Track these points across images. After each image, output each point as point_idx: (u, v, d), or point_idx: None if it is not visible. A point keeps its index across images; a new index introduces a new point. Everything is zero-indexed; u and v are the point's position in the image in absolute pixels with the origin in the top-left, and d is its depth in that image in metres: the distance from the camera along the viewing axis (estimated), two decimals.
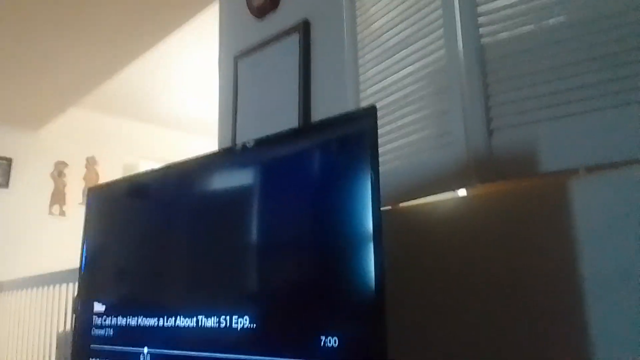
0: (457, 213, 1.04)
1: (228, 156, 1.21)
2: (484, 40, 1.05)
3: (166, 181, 1.26)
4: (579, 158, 0.91)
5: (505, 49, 1.02)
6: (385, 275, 0.82)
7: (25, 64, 3.17)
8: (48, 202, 4.21)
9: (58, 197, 4.24)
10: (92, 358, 1.22)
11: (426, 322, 1.04)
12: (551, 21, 0.98)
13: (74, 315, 1.38)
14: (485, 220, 0.99)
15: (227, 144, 1.79)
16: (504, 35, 1.03)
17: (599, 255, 0.85)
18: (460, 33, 1.08)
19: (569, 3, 0.95)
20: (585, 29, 0.92)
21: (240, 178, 1.10)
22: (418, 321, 1.04)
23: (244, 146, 1.12)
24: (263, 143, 1.08)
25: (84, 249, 1.36)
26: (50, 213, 4.19)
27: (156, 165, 1.29)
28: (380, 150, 0.90)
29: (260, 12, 1.77)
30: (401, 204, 1.16)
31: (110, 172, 4.33)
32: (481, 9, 1.06)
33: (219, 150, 1.66)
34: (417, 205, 1.12)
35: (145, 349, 1.10)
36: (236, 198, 1.09)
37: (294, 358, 0.86)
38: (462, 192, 1.10)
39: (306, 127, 1.33)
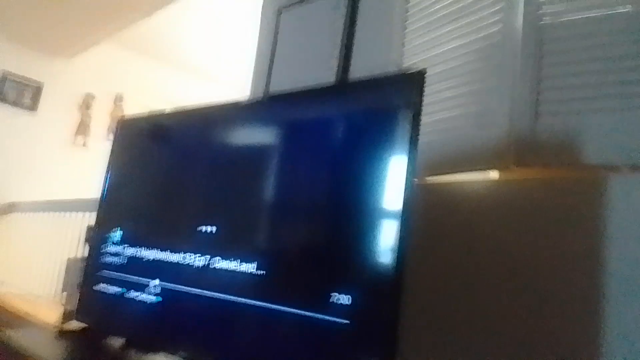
0: (486, 195, 1.02)
1: (260, 106, 1.19)
2: (545, 20, 1.00)
3: (194, 122, 1.25)
4: (623, 155, 0.87)
5: (565, 32, 0.97)
6: (408, 246, 0.80)
7: None
8: (72, 132, 4.25)
9: (83, 129, 4.28)
10: (100, 283, 1.23)
11: (442, 298, 1.03)
12: (617, 10, 0.93)
13: (86, 242, 1.40)
14: (516, 206, 0.97)
15: (259, 95, 1.77)
16: (565, 18, 0.98)
17: (629, 256, 0.82)
18: (521, 10, 1.03)
19: None
20: None
21: (271, 129, 1.09)
22: (434, 296, 1.03)
23: (276, 97, 1.09)
24: (297, 96, 1.06)
25: (107, 178, 1.36)
26: (74, 143, 4.24)
27: None
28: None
29: None
30: (429, 178, 1.14)
31: (136, 112, 4.34)
32: None
33: (250, 99, 1.64)
34: (448, 183, 1.09)
35: (157, 281, 1.11)
36: (265, 148, 1.08)
37: (305, 310, 0.86)
38: (494, 174, 1.07)
39: (344, 84, 1.30)
